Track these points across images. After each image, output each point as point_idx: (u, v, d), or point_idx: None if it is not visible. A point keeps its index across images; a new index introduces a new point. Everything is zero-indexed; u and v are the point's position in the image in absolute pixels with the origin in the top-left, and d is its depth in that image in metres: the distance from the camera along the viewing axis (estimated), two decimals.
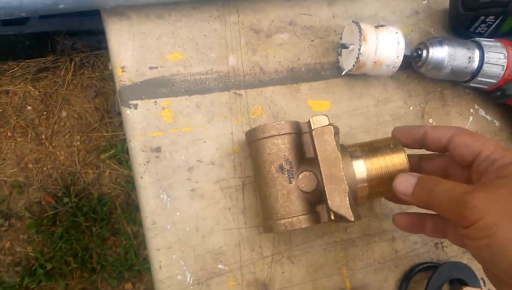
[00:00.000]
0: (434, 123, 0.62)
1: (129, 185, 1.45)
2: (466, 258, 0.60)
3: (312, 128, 0.48)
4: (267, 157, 0.49)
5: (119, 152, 1.46)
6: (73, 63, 1.51)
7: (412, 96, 0.63)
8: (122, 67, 0.53)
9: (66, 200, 1.42)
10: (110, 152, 1.46)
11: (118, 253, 1.42)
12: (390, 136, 0.52)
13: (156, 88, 0.54)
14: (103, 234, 1.42)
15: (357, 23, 0.56)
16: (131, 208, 1.44)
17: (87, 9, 0.52)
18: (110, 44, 0.54)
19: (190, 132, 0.54)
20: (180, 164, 0.53)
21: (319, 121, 0.49)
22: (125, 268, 1.41)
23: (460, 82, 0.63)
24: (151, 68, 0.54)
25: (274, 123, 0.49)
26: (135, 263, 1.41)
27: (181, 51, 0.56)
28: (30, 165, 1.45)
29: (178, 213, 0.52)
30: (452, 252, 0.59)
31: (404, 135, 0.49)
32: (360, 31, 0.55)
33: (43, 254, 1.39)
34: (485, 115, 0.65)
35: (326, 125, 0.48)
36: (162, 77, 0.54)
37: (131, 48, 0.54)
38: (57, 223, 1.42)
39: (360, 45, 0.55)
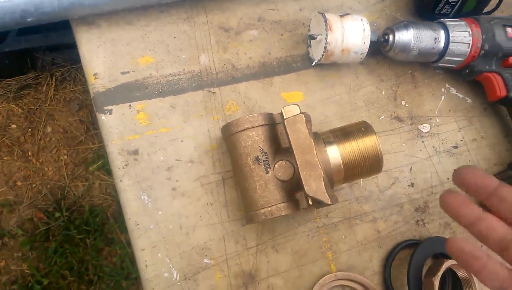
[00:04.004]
0: (407, 105, 0.64)
1: None
2: (448, 233, 0.61)
3: (284, 118, 0.50)
4: (243, 150, 0.50)
5: (107, 163, 1.46)
6: (54, 78, 1.51)
7: (384, 81, 0.64)
8: (95, 74, 0.54)
9: (57, 214, 1.42)
10: (98, 163, 1.46)
11: (114, 262, 1.43)
12: (363, 120, 0.54)
13: (129, 92, 0.55)
14: (97, 245, 1.42)
15: (322, 14, 0.57)
16: (124, 217, 1.45)
17: (56, 21, 0.52)
18: (81, 53, 0.55)
19: (167, 132, 0.55)
20: (159, 164, 0.54)
21: (290, 111, 0.50)
22: (123, 277, 1.41)
23: (429, 63, 0.64)
24: (123, 73, 0.55)
25: (247, 116, 0.50)
26: (131, 271, 1.42)
27: (152, 54, 0.57)
28: (19, 183, 1.45)
29: (160, 213, 0.53)
30: (434, 228, 0.61)
31: (471, 180, 0.38)
32: (325, 21, 0.56)
33: (39, 270, 1.39)
34: (456, 93, 0.67)
35: (297, 114, 0.49)
36: (135, 81, 0.55)
37: (102, 55, 0.55)
38: (51, 238, 1.42)
39: (327, 35, 0.56)
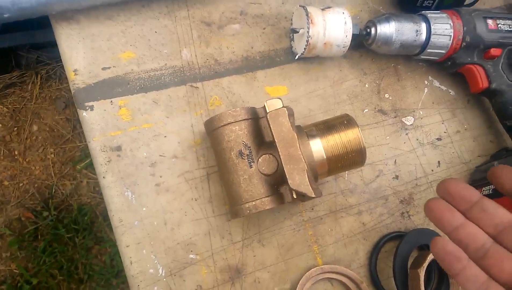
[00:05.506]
0: (391, 98, 0.64)
1: None
2: (432, 225, 0.62)
3: (267, 111, 0.50)
4: (226, 144, 0.50)
5: None
6: (39, 76, 1.50)
7: (367, 74, 0.65)
8: (75, 70, 0.53)
9: (45, 213, 1.41)
10: (86, 162, 1.45)
11: (104, 261, 1.42)
12: (345, 113, 0.54)
13: (111, 88, 0.54)
14: (86, 244, 1.41)
15: (304, 7, 0.57)
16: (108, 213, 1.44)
17: (34, 17, 0.52)
18: (61, 49, 0.54)
19: (150, 128, 0.55)
20: (143, 160, 0.54)
21: (273, 105, 0.50)
22: (113, 275, 1.41)
23: (412, 56, 0.64)
24: (104, 68, 0.54)
25: (230, 111, 0.50)
26: (122, 269, 1.41)
27: (133, 49, 0.56)
28: (6, 183, 1.43)
29: (144, 209, 0.52)
30: (419, 220, 0.61)
31: (455, 190, 0.38)
32: (307, 15, 0.56)
33: (28, 269, 1.38)
34: (439, 85, 0.67)
35: (280, 108, 0.49)
36: (116, 77, 0.55)
37: (82, 51, 0.54)
38: (39, 237, 1.41)
39: (309, 28, 0.56)
